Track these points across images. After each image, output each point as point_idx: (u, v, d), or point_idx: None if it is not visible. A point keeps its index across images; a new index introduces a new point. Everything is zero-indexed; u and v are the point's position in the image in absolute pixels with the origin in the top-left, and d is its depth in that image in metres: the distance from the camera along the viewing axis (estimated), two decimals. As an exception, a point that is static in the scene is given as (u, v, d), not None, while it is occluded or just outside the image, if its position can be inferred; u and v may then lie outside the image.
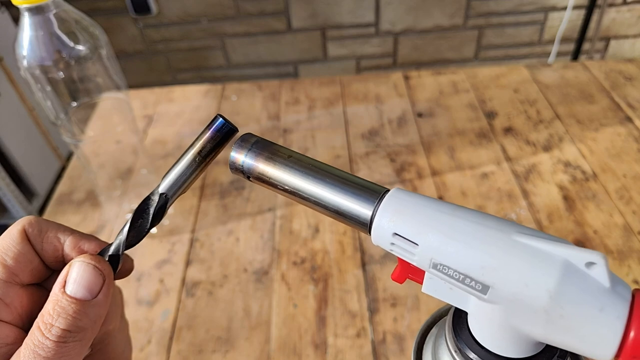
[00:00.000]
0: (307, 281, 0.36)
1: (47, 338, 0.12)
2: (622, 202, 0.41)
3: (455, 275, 0.12)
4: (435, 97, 0.55)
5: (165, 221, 0.42)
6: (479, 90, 0.55)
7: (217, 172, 0.47)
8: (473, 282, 0.12)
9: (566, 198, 0.42)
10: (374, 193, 0.13)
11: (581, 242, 0.38)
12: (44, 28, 0.31)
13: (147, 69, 1.28)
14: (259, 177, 0.15)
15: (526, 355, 0.12)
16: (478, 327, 0.13)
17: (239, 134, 0.16)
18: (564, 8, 1.16)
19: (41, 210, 1.18)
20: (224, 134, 0.15)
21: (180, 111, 0.56)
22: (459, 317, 0.14)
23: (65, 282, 0.13)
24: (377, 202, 0.13)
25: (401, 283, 0.14)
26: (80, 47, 0.32)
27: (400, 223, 0.12)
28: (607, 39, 1.23)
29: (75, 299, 0.13)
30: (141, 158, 0.40)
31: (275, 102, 0.56)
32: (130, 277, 0.38)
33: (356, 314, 0.34)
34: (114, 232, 0.42)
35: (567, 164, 0.45)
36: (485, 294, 0.11)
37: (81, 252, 0.15)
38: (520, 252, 0.11)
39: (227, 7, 1.17)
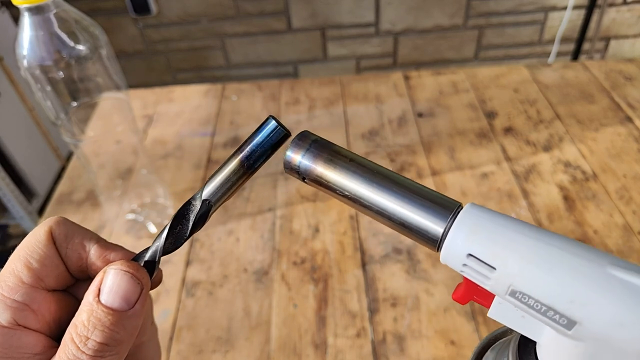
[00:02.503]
0: (307, 281, 0.36)
1: (83, 352, 0.12)
2: (622, 202, 0.41)
3: (537, 306, 0.11)
4: (435, 97, 0.55)
5: (165, 221, 0.42)
6: (479, 90, 0.55)
7: (217, 172, 0.47)
8: (557, 316, 0.10)
9: (566, 198, 0.42)
10: (447, 207, 0.12)
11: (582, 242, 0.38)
12: (44, 28, 0.31)
13: (147, 69, 1.28)
14: (316, 180, 0.14)
15: None
16: (547, 354, 0.12)
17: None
18: (564, 8, 1.16)
19: (41, 211, 1.18)
20: (276, 138, 0.13)
21: (180, 111, 0.56)
22: (526, 347, 0.13)
23: (99, 290, 0.12)
24: (451, 218, 0.12)
25: (463, 304, 0.13)
26: (80, 47, 0.32)
27: (476, 243, 0.11)
28: (607, 39, 1.23)
29: (112, 309, 0.12)
30: (141, 158, 0.40)
31: (275, 102, 0.56)
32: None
33: (356, 314, 0.34)
34: (114, 232, 0.42)
35: (567, 164, 0.45)
36: (569, 329, 0.10)
37: (107, 262, 0.14)
38: (616, 288, 0.10)
39: (227, 7, 1.17)
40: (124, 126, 0.37)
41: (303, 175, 0.14)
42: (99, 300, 0.12)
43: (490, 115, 0.52)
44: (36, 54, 0.31)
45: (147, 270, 0.14)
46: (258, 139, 0.14)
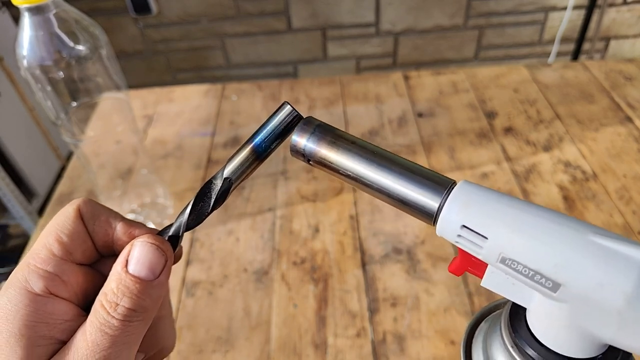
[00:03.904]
0: (307, 281, 0.36)
1: (113, 317, 0.13)
2: (622, 202, 0.41)
3: (525, 271, 0.12)
4: (435, 97, 0.55)
5: (165, 221, 0.42)
6: (479, 90, 0.55)
7: (217, 172, 0.47)
8: (543, 279, 0.11)
9: (566, 198, 0.42)
10: (442, 184, 0.13)
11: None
12: (44, 28, 0.31)
13: (147, 68, 1.28)
14: (320, 162, 0.15)
15: (589, 356, 0.12)
16: (539, 325, 0.13)
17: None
18: (564, 8, 1.16)
19: (41, 210, 1.18)
20: (291, 120, 0.15)
21: (180, 111, 0.56)
22: (517, 314, 0.14)
23: (127, 261, 0.13)
24: (445, 194, 0.13)
25: (458, 275, 0.14)
26: (80, 47, 0.32)
27: (469, 216, 0.12)
28: (607, 39, 1.23)
29: (139, 278, 0.13)
30: (141, 158, 0.40)
31: (275, 102, 0.56)
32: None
33: (356, 314, 0.34)
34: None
35: (567, 164, 0.45)
36: (555, 292, 0.11)
37: (132, 237, 0.15)
38: (596, 252, 0.11)
39: (227, 7, 1.17)
40: (124, 126, 0.37)
41: (308, 157, 0.15)
42: (127, 270, 0.13)
43: (490, 115, 0.52)
44: (36, 54, 0.31)
45: (170, 244, 0.15)
46: (275, 122, 0.15)
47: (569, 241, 0.11)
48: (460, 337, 0.32)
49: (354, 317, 0.34)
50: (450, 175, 0.50)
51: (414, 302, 0.34)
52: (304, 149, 0.15)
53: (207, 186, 0.15)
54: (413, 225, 0.40)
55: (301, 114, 0.15)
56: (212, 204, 0.15)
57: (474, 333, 0.16)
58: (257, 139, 0.15)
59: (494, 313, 0.15)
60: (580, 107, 0.52)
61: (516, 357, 0.13)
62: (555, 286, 0.11)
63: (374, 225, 0.40)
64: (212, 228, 0.41)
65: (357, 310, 0.34)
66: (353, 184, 0.15)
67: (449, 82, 0.57)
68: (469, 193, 0.13)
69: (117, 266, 0.13)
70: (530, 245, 0.11)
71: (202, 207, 0.15)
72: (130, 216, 0.42)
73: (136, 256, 0.13)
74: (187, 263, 0.39)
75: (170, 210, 0.43)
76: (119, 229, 0.15)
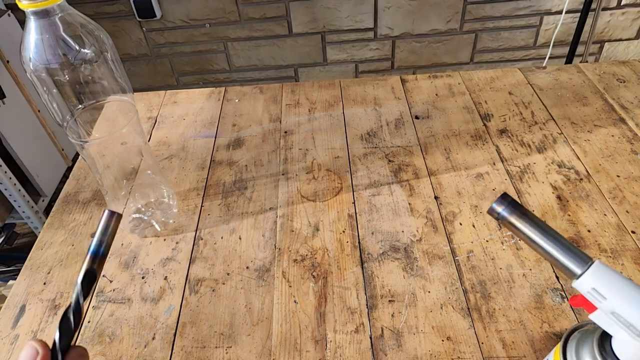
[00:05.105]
0: (307, 278, 0.37)
1: None
2: (615, 201, 0.42)
3: (625, 322, 0.20)
4: (432, 99, 0.56)
5: (169, 220, 0.43)
6: (474, 92, 0.56)
7: (220, 173, 0.48)
8: (633, 329, 0.20)
9: (560, 198, 0.43)
10: (585, 260, 0.21)
11: (575, 241, 0.39)
12: (50, 31, 0.31)
13: (152, 72, 1.30)
14: (508, 224, 0.23)
15: None
16: (620, 348, 0.21)
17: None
18: (559, 12, 1.18)
19: (48, 210, 1.19)
20: (114, 221, 0.19)
21: (184, 113, 0.57)
22: (606, 336, 0.22)
23: None
24: (587, 267, 0.21)
25: (575, 307, 0.22)
26: (85, 51, 0.32)
27: (598, 284, 0.21)
28: (601, 42, 1.25)
29: None
30: (146, 159, 0.41)
31: (276, 105, 0.57)
32: (135, 274, 0.39)
33: (355, 310, 0.35)
34: (119, 231, 0.43)
35: (561, 165, 0.46)
36: (638, 336, 0.20)
37: None
38: None
39: (229, 12, 1.18)
40: (129, 128, 0.38)
41: (499, 219, 0.24)
42: None
43: (486, 117, 0.53)
44: (42, 57, 0.31)
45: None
46: (101, 227, 0.19)
47: None
48: (456, 333, 0.33)
49: (353, 313, 0.35)
50: (447, 176, 0.51)
51: (411, 299, 0.35)
52: (498, 214, 0.23)
53: (65, 313, 0.19)
54: (410, 224, 0.41)
55: (119, 213, 0.19)
56: (73, 321, 0.18)
57: (569, 338, 0.24)
58: (93, 247, 0.19)
59: (583, 329, 0.24)
60: (574, 109, 0.53)
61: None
62: (639, 333, 0.20)
63: (373, 224, 0.41)
64: (215, 227, 0.42)
65: (355, 307, 0.35)
66: (527, 243, 0.23)
67: (445, 85, 0.58)
68: (601, 271, 0.21)
69: None
70: (631, 309, 0.20)
71: (67, 327, 0.18)
72: (135, 216, 0.43)
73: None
74: (191, 261, 0.40)
75: (174, 210, 0.44)
76: None
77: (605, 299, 0.20)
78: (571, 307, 0.33)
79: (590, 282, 0.21)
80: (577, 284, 0.21)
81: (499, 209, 0.23)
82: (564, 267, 0.22)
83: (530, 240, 0.23)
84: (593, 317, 0.21)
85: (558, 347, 0.24)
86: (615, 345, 0.21)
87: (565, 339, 0.24)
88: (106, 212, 0.19)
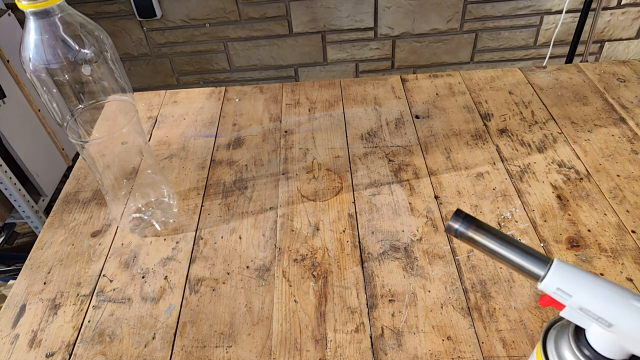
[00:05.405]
0: (307, 278, 0.37)
1: None
2: (615, 201, 0.42)
3: (592, 315, 0.21)
4: (432, 99, 0.56)
5: (170, 220, 0.43)
6: (474, 92, 0.56)
7: (221, 172, 0.48)
8: (602, 321, 0.20)
9: (560, 197, 0.43)
10: (545, 260, 0.22)
11: (575, 240, 0.39)
12: (50, 31, 0.31)
13: (152, 71, 1.30)
14: (466, 238, 0.24)
15: (621, 358, 0.21)
16: (594, 338, 0.22)
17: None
18: (559, 11, 1.18)
19: (48, 210, 1.19)
20: None
21: (184, 113, 0.57)
22: (579, 329, 0.23)
23: None
24: (547, 267, 0.22)
25: (544, 306, 0.25)
26: (85, 51, 0.32)
27: (562, 283, 0.21)
28: (601, 42, 1.24)
29: None
30: (146, 158, 0.41)
31: (276, 104, 0.57)
32: (135, 274, 0.39)
33: (355, 309, 0.35)
34: (120, 231, 0.43)
35: (561, 164, 0.46)
36: (609, 327, 0.20)
37: None
38: (632, 309, 0.20)
39: (230, 12, 1.18)
40: (130, 127, 0.38)
41: (456, 235, 0.24)
42: None
43: (486, 117, 0.53)
44: (42, 57, 0.31)
45: None
46: None
47: (619, 303, 0.20)
48: (457, 332, 0.33)
49: (353, 313, 0.35)
50: (447, 175, 0.51)
51: (411, 299, 0.35)
52: (455, 230, 0.24)
53: None
54: (410, 224, 0.41)
55: None
56: None
57: (547, 333, 0.24)
58: None
59: (559, 323, 0.25)
60: (575, 109, 0.53)
61: (577, 353, 0.22)
62: (609, 325, 0.20)
63: (373, 223, 0.41)
64: (215, 227, 0.42)
65: (356, 306, 0.35)
66: (486, 254, 0.23)
67: (445, 85, 0.58)
68: (562, 270, 0.21)
69: None
70: (597, 303, 0.20)
71: None
72: (135, 215, 0.43)
73: None
74: (191, 260, 0.40)
75: (174, 209, 0.44)
76: None
77: (570, 296, 0.21)
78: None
79: (554, 282, 0.21)
80: (542, 287, 0.22)
81: (456, 225, 0.23)
82: (527, 271, 0.22)
83: (490, 251, 0.23)
84: (563, 314, 0.22)
85: (539, 346, 0.24)
86: (590, 337, 0.22)
87: (543, 336, 0.24)
88: None
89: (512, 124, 0.51)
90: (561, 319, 0.25)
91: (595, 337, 0.22)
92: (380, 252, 0.39)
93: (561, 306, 0.21)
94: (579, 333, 0.22)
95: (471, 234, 0.23)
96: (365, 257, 0.39)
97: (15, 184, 1.08)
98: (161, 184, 0.43)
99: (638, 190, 0.43)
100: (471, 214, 0.42)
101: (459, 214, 0.23)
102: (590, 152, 0.47)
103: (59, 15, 0.31)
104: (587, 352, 0.22)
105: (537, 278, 0.22)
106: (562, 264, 0.21)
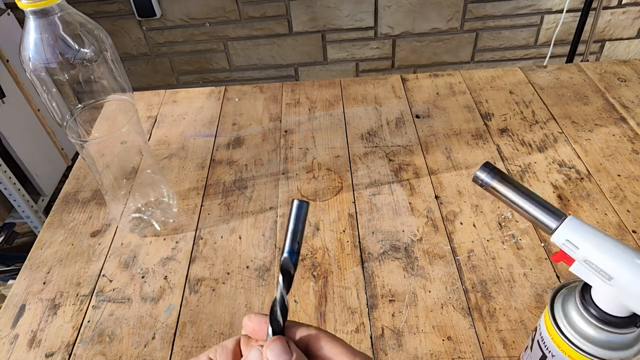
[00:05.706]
0: (307, 278, 0.37)
1: None
2: (616, 201, 0.42)
3: (596, 268, 0.22)
4: (432, 98, 0.56)
5: (169, 220, 0.43)
6: (475, 91, 0.56)
7: (220, 172, 0.48)
8: (604, 274, 0.21)
9: (561, 197, 0.43)
10: (560, 215, 0.23)
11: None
12: (49, 31, 0.31)
13: (152, 71, 1.30)
14: (491, 189, 0.25)
15: (623, 315, 0.23)
16: (597, 295, 0.23)
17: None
18: (560, 11, 1.18)
19: (47, 209, 1.19)
20: (304, 210, 0.18)
21: (184, 112, 0.57)
22: (586, 288, 0.24)
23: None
24: (561, 221, 0.23)
25: (557, 262, 0.26)
26: (85, 50, 0.32)
27: (572, 235, 0.22)
28: (602, 41, 1.24)
29: None
30: (146, 158, 0.41)
31: (276, 104, 0.57)
32: (135, 274, 0.39)
33: (355, 309, 0.35)
34: (119, 230, 0.43)
35: (561, 164, 0.46)
36: (609, 280, 0.22)
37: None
38: (633, 265, 0.21)
39: (229, 11, 1.18)
40: (129, 127, 0.38)
41: (483, 185, 0.26)
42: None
43: (486, 117, 0.53)
44: (41, 57, 0.31)
45: (282, 314, 0.17)
46: (293, 219, 0.17)
47: (621, 257, 0.21)
48: (457, 333, 0.33)
49: (353, 313, 0.35)
50: (447, 175, 0.51)
51: (411, 299, 0.35)
52: (482, 180, 0.25)
53: (272, 308, 0.18)
54: (410, 223, 0.41)
55: (307, 200, 0.18)
56: (279, 315, 0.18)
57: (556, 295, 0.26)
58: (289, 239, 0.17)
59: (569, 286, 0.26)
60: (575, 108, 0.53)
61: (582, 310, 0.24)
62: (610, 278, 0.22)
63: (373, 223, 0.41)
64: (215, 226, 0.42)
65: (356, 306, 0.35)
66: (509, 205, 0.25)
67: (445, 84, 0.58)
68: (574, 225, 0.23)
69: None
70: (601, 257, 0.22)
71: (276, 322, 0.18)
72: (135, 215, 0.43)
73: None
74: (191, 260, 0.40)
75: (174, 209, 0.44)
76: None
77: (577, 248, 0.22)
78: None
79: (564, 234, 0.23)
80: (554, 238, 0.23)
81: (482, 175, 0.25)
82: (542, 223, 0.24)
83: (511, 202, 0.25)
84: (572, 269, 0.23)
85: (547, 309, 0.25)
86: (594, 294, 0.23)
87: (551, 298, 0.26)
88: (295, 202, 0.18)
89: (512, 123, 0.51)
90: (568, 284, 0.26)
91: (599, 294, 0.23)
92: (381, 252, 0.39)
93: (571, 260, 0.23)
94: (585, 292, 0.24)
95: (496, 184, 0.25)
96: (365, 257, 0.39)
97: (14, 183, 1.07)
98: (161, 184, 0.43)
99: (638, 190, 0.42)
100: (471, 213, 0.41)
101: (487, 166, 0.25)
102: (590, 151, 0.47)
103: (59, 15, 0.31)
104: (592, 310, 0.23)
105: (550, 229, 0.23)
106: (576, 220, 0.23)
